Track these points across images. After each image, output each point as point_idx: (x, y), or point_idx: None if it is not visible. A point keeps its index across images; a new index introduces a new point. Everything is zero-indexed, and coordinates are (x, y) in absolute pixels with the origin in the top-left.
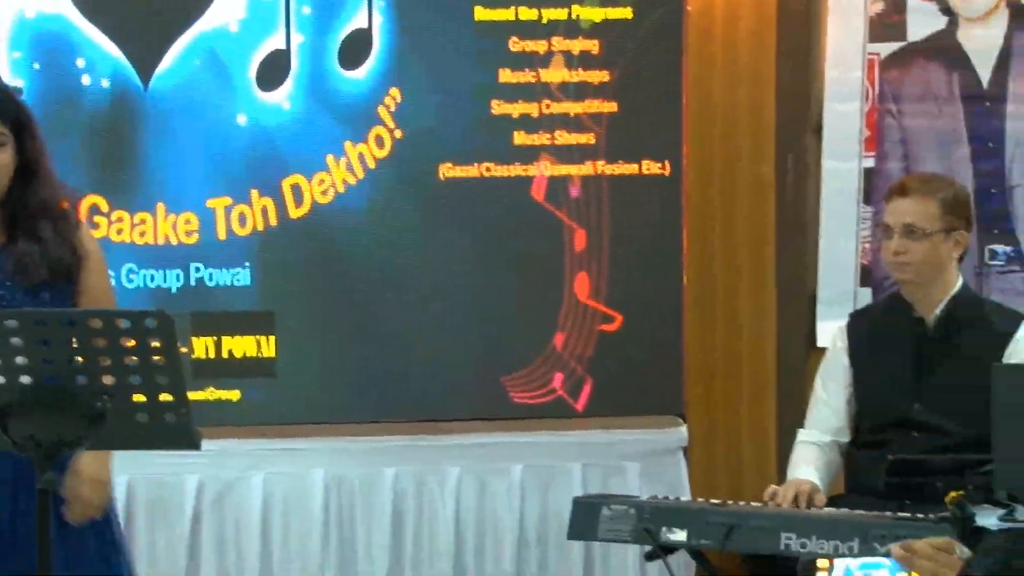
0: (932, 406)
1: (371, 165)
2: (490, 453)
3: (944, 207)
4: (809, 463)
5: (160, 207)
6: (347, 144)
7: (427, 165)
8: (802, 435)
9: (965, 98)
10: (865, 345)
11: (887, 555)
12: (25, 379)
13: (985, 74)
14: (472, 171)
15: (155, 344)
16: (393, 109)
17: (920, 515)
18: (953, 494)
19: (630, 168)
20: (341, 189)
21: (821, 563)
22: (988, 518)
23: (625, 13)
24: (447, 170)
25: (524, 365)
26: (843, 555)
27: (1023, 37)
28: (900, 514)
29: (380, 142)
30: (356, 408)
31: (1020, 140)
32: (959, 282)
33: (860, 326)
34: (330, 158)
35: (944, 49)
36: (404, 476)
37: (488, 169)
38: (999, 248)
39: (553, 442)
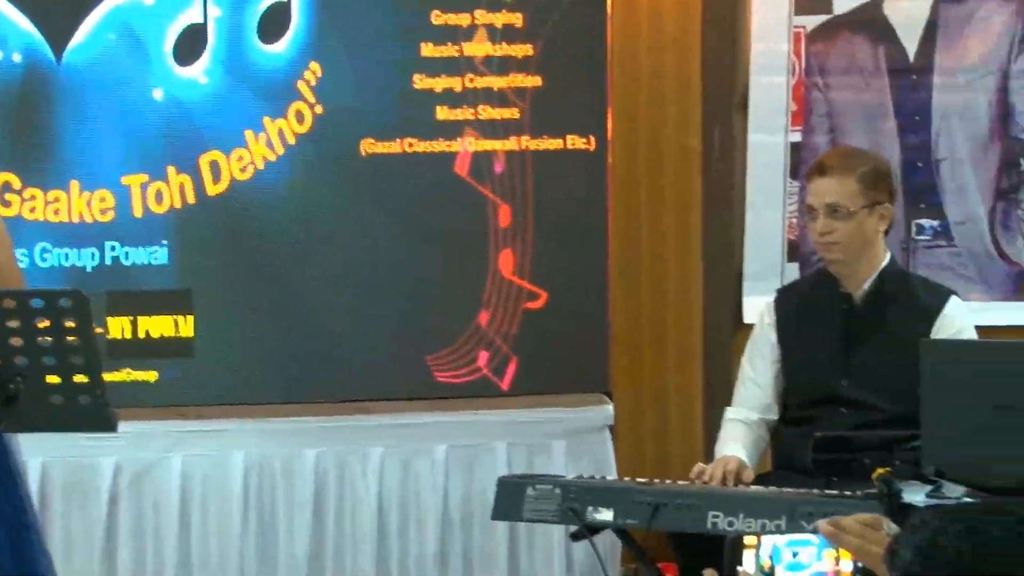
0: (860, 382)
1: (291, 141)
2: (413, 433)
3: (865, 182)
4: (736, 441)
5: (74, 184)
6: (266, 120)
7: (348, 141)
8: (730, 413)
9: (891, 71)
10: (792, 321)
11: (814, 532)
12: None
13: (911, 47)
14: (394, 147)
15: (69, 324)
16: (313, 84)
17: (847, 492)
18: (880, 471)
19: (555, 143)
20: (260, 166)
21: (748, 540)
22: (915, 494)
23: None
24: (369, 146)
25: (448, 344)
26: (770, 533)
27: (949, 9)
28: (827, 491)
29: (300, 117)
30: (276, 388)
31: (946, 113)
32: (887, 257)
33: (787, 302)
34: (249, 134)
35: (870, 22)
36: (325, 457)
37: (411, 145)
38: (926, 223)
39: (477, 421)
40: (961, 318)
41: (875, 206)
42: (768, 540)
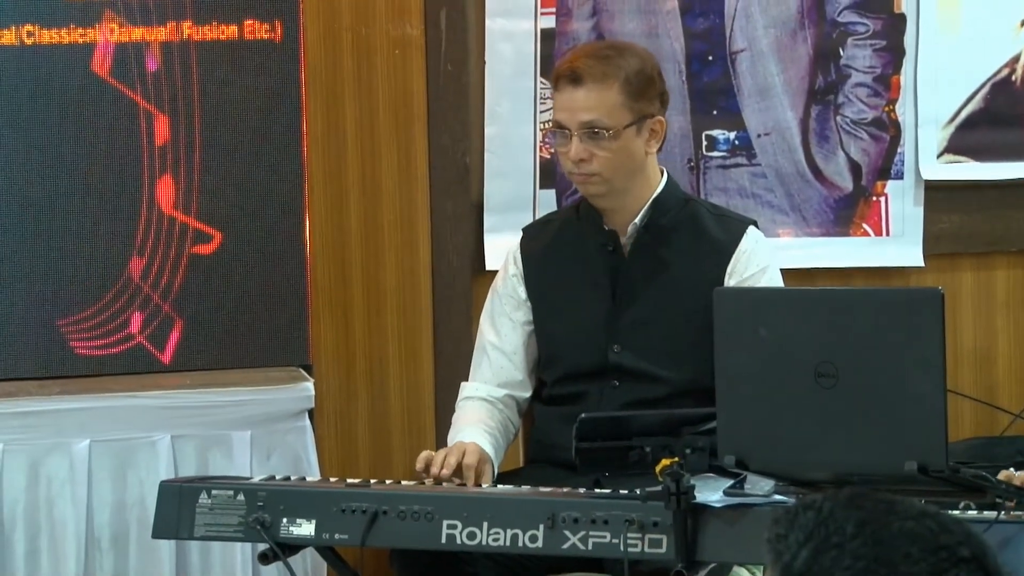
0: (634, 346)
1: None
2: (44, 423)
3: (630, 92)
4: (477, 423)
5: None
6: None
7: None
8: (467, 389)
9: None
10: (545, 270)
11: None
12: None
13: None
14: (8, 37)
15: None
16: None
17: (624, 491)
18: (665, 462)
19: (227, 31)
20: None
21: None
22: (711, 492)
23: None
24: None
25: (89, 304)
26: (525, 547)
27: None
28: (597, 490)
29: None
30: None
31: None
32: (662, 180)
33: (537, 244)
34: None
35: None
36: None
37: (31, 34)
38: (719, 134)
39: (131, 406)
40: (763, 255)
41: (643, 121)
42: None
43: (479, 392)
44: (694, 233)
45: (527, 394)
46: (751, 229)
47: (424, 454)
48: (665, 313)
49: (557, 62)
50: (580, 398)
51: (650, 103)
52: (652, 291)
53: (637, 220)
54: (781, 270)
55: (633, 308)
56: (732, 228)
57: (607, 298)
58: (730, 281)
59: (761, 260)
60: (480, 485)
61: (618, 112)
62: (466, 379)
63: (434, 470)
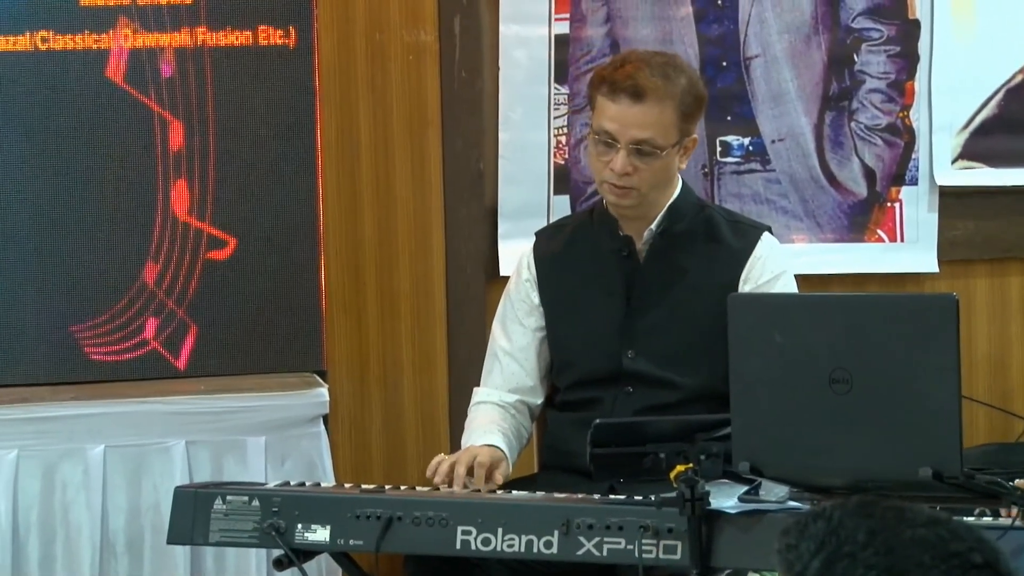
0: (648, 352)
1: None
2: (58, 429)
3: (681, 112)
4: (490, 423)
5: None
6: None
7: None
8: (479, 394)
9: None
10: (558, 275)
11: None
12: None
13: None
14: (23, 42)
15: None
16: None
17: (638, 497)
18: (680, 468)
19: (241, 37)
20: None
21: None
22: (726, 498)
23: None
24: None
25: (103, 309)
26: (540, 553)
27: None
28: (612, 496)
29: None
30: None
31: None
32: (678, 187)
33: (550, 249)
34: None
35: None
36: None
37: (45, 39)
38: (733, 140)
39: (145, 412)
40: (778, 261)
41: (684, 139)
42: None
43: (491, 397)
44: (709, 239)
45: (539, 400)
46: (766, 235)
47: (437, 458)
48: (680, 319)
49: (604, 66)
50: (594, 404)
51: (694, 123)
52: (667, 297)
53: (653, 226)
54: (796, 276)
55: (648, 314)
56: (747, 234)
57: (622, 303)
58: (745, 287)
59: (776, 266)
60: (495, 491)
61: (670, 132)
62: (479, 384)
63: (438, 479)
